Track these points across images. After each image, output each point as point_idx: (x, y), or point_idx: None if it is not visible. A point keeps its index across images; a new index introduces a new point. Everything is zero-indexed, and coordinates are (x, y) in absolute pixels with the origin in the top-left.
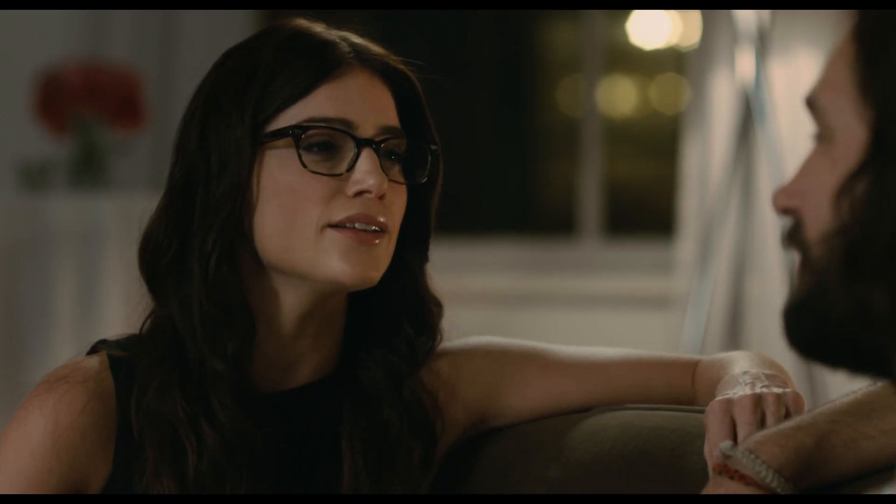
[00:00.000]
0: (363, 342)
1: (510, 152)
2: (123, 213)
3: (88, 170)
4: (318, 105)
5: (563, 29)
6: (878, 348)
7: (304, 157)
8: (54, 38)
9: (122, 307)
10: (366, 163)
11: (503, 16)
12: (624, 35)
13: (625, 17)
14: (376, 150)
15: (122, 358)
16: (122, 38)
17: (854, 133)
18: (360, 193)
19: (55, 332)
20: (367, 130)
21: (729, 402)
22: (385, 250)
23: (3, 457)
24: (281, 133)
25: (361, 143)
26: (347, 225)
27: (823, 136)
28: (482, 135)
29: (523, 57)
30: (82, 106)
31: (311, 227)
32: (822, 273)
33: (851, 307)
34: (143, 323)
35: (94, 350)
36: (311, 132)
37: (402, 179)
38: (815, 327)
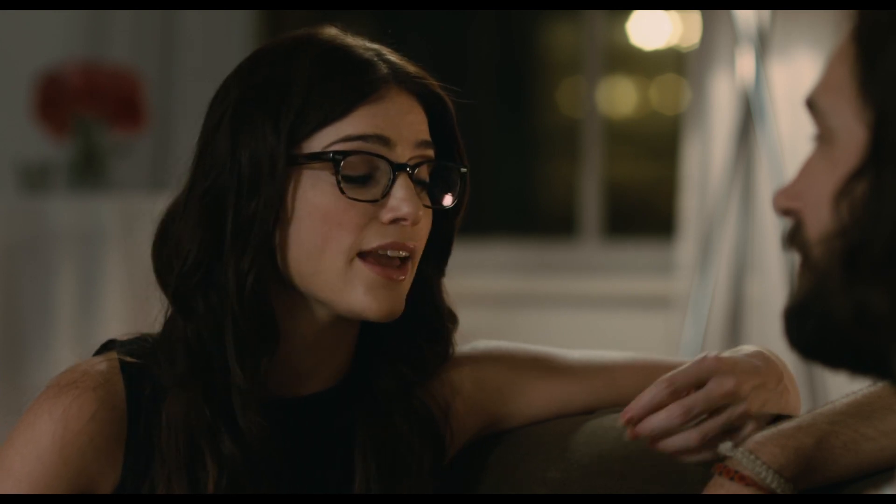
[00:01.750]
0: (376, 351)
1: (510, 153)
2: (124, 215)
3: (89, 171)
4: (355, 125)
5: (564, 30)
6: (878, 350)
7: (342, 184)
8: (54, 39)
9: (122, 308)
10: (401, 190)
11: (503, 17)
12: (624, 36)
13: (625, 18)
14: (410, 176)
15: (133, 363)
16: (122, 39)
17: (854, 134)
18: (394, 221)
19: (56, 334)
20: (403, 151)
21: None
22: (408, 280)
23: (10, 461)
24: (319, 156)
25: (397, 168)
26: (380, 252)
27: (823, 138)
28: (483, 135)
29: (524, 58)
30: (83, 107)
31: (343, 253)
32: (823, 274)
33: (851, 309)
34: (164, 327)
35: (101, 350)
36: (350, 158)
37: (429, 203)
38: (815, 329)
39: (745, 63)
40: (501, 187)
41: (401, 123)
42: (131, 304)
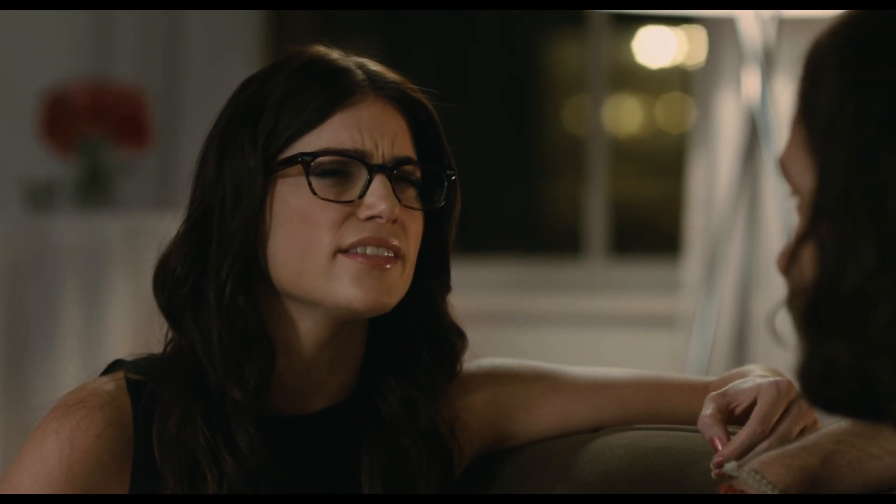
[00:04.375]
0: (381, 369)
1: (516, 171)
2: (129, 233)
3: (94, 189)
4: (331, 135)
5: (569, 47)
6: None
7: (314, 184)
8: (60, 57)
9: (127, 326)
10: (377, 188)
11: (509, 34)
12: (630, 54)
13: (630, 36)
14: (389, 176)
15: (140, 382)
16: (126, 57)
17: (807, 191)
18: (371, 218)
19: (61, 352)
20: (379, 159)
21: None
22: (400, 276)
23: (18, 479)
24: (291, 160)
25: (374, 170)
26: (359, 250)
27: (795, 195)
28: (488, 153)
29: (529, 75)
30: (88, 125)
31: (323, 252)
32: (799, 332)
33: (821, 365)
34: (165, 347)
35: (109, 370)
36: (321, 159)
37: (417, 205)
38: (833, 391)
39: (751, 81)
40: (506, 205)
41: (377, 134)
42: (136, 323)
